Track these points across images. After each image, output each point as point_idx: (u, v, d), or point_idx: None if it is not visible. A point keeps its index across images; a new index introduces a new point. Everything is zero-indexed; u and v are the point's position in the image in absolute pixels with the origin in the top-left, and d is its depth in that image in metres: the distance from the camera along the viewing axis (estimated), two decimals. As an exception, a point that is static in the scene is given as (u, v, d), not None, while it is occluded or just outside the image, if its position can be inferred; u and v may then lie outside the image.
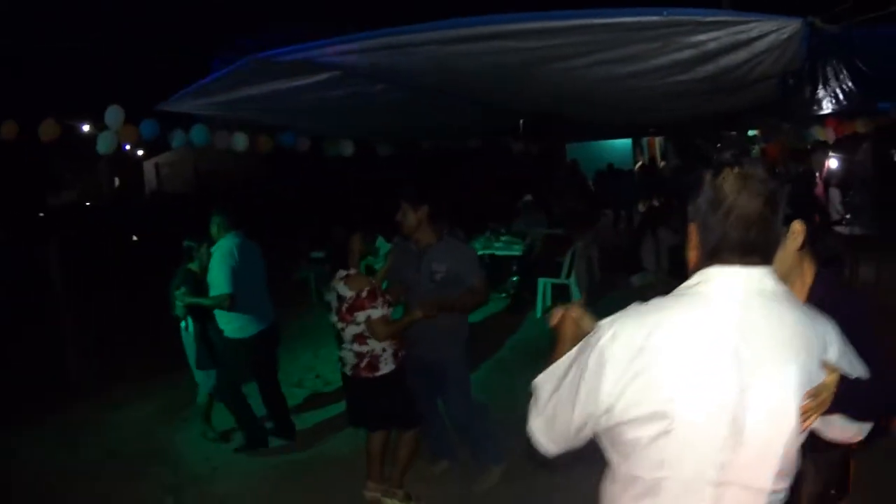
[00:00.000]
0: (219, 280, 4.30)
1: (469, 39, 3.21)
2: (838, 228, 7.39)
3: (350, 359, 3.44)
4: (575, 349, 1.37)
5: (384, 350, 3.41)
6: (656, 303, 1.33)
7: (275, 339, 4.79)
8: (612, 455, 1.35)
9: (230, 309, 4.34)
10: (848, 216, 8.57)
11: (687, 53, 3.25)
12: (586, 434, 1.36)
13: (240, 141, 6.14)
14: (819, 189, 9.28)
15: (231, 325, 4.46)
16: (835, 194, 9.04)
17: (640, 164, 17.28)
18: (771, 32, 3.17)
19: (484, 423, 3.82)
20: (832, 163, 8.92)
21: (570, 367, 1.35)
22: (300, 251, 8.73)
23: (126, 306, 8.82)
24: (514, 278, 7.67)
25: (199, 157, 19.61)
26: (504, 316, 7.42)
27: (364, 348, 3.40)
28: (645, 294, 1.36)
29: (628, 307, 1.35)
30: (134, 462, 4.61)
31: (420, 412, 3.65)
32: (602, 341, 1.29)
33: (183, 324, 4.70)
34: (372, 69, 3.84)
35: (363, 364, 3.42)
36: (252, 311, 4.49)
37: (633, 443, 1.28)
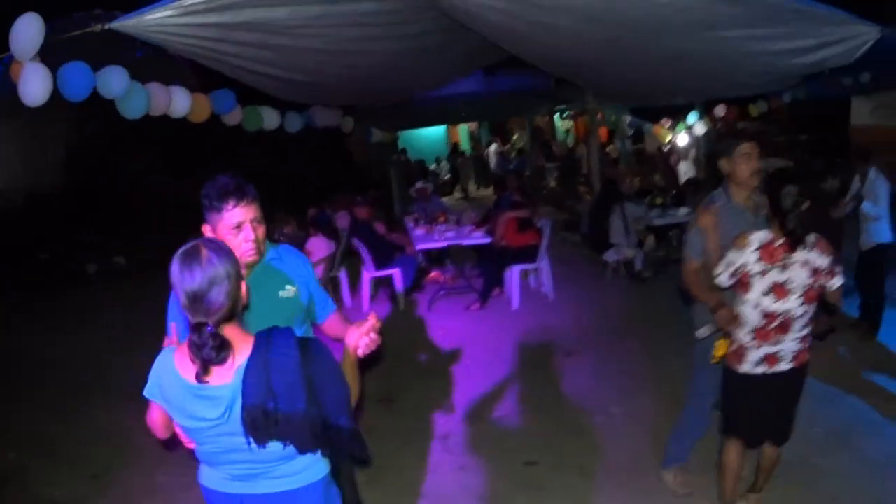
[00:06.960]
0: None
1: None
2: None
3: (792, 348, 2.73)
4: None
5: None
6: None
7: None
8: None
9: None
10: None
11: (808, 42, 3.85)
12: None
13: (182, 99, 4.75)
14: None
15: None
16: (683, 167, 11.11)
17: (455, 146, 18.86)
18: (856, 36, 3.65)
19: None
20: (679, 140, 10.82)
21: None
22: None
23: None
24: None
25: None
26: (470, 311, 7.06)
27: (808, 328, 2.76)
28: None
29: None
30: None
31: None
32: None
33: None
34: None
35: (806, 345, 2.77)
36: None
37: None
